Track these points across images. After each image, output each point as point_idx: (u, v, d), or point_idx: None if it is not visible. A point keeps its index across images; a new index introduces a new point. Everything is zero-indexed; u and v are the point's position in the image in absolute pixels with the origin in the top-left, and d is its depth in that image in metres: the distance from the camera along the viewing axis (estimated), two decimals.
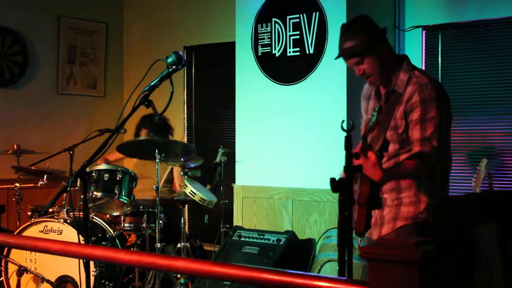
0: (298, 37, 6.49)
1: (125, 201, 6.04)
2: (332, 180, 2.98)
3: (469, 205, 2.05)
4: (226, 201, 6.78)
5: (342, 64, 5.87)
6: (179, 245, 6.19)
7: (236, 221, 6.90)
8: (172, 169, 7.31)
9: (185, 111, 8.61)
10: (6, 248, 5.94)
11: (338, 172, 3.67)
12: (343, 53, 3.84)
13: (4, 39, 8.16)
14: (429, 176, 3.79)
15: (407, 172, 3.73)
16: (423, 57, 6.54)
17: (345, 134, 2.95)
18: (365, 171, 3.48)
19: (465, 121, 6.34)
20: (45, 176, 6.41)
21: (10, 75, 8.23)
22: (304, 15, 6.43)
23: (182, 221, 6.27)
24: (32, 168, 6.63)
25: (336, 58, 3.97)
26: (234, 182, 7.01)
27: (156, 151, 5.89)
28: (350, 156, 2.99)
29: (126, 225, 6.22)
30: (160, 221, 6.02)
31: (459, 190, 6.19)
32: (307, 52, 6.43)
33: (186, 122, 8.59)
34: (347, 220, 2.93)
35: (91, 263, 5.58)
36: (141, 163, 7.21)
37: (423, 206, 3.78)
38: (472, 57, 6.35)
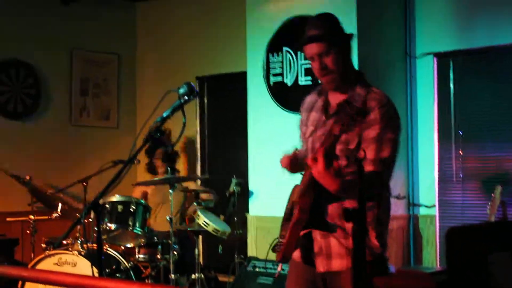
0: (309, 66, 6.49)
1: (139, 233, 6.04)
2: (345, 210, 2.95)
3: (483, 233, 2.03)
4: (240, 231, 6.76)
5: None
6: (193, 276, 6.17)
7: (251, 252, 6.87)
8: (185, 199, 7.34)
9: (198, 141, 8.61)
10: (20, 282, 5.93)
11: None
12: (310, 39, 3.52)
13: (18, 72, 8.22)
14: (376, 204, 3.53)
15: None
16: (435, 84, 6.54)
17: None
18: (317, 177, 3.23)
19: (479, 148, 6.32)
20: (60, 207, 6.42)
21: (24, 108, 8.28)
22: None
23: (196, 252, 6.26)
24: (48, 193, 6.65)
25: (299, 46, 3.74)
26: (248, 212, 7.00)
27: (170, 186, 6.00)
28: (363, 184, 2.97)
29: (141, 256, 6.21)
30: (174, 252, 6.01)
31: (474, 218, 6.15)
32: (319, 81, 6.43)
33: (199, 152, 8.59)
34: (360, 250, 2.90)
35: None
36: (155, 192, 7.26)
37: (375, 241, 3.50)
38: (484, 83, 6.34)
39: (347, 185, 3.29)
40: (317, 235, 3.57)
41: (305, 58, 6.50)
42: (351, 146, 3.46)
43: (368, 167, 3.38)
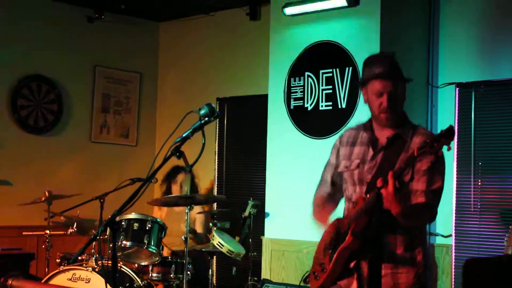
0: (330, 91, 6.51)
1: (154, 251, 6.04)
2: (364, 237, 2.95)
3: (501, 267, 2.02)
4: (255, 253, 6.75)
5: None
6: None
7: (264, 274, 6.85)
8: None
9: (216, 163, 8.62)
10: None
11: None
12: (381, 75, 3.69)
13: (40, 87, 8.28)
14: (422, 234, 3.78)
15: (418, 213, 3.63)
16: (456, 114, 6.52)
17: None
18: (384, 198, 3.39)
19: (497, 179, 6.28)
20: (75, 224, 6.45)
21: (45, 123, 8.33)
22: (337, 69, 6.46)
23: (210, 273, 6.25)
24: (62, 218, 6.67)
25: (361, 82, 3.84)
26: (263, 234, 6.98)
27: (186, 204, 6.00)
28: (381, 212, 2.96)
29: (154, 275, 6.20)
30: (188, 272, 6.00)
31: (490, 249, 6.10)
32: (340, 107, 6.44)
33: (216, 173, 8.60)
34: (376, 277, 2.90)
35: None
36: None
37: (421, 270, 3.70)
38: (505, 114, 6.31)
39: (408, 209, 3.51)
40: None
41: (327, 84, 6.51)
42: (406, 178, 3.61)
43: (420, 199, 3.63)
